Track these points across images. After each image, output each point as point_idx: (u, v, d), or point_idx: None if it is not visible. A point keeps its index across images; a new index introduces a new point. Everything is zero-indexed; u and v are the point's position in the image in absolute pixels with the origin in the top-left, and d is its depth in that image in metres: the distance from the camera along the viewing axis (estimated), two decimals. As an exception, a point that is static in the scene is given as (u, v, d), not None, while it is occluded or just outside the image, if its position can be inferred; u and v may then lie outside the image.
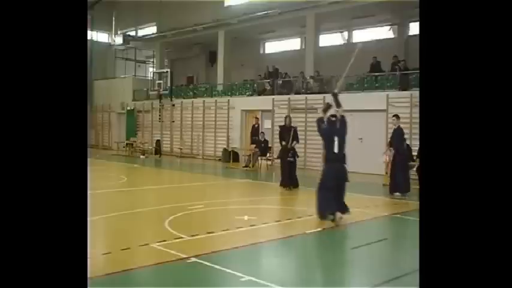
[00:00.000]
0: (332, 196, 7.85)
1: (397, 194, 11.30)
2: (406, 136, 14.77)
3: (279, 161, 13.26)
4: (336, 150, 7.86)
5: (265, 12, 21.78)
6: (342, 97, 18.92)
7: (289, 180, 12.28)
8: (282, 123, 13.25)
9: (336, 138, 7.85)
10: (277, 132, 13.82)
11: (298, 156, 12.86)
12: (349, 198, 8.17)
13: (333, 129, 7.90)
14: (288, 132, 12.45)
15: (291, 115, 18.91)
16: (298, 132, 12.95)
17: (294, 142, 12.49)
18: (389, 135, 13.42)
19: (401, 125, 11.94)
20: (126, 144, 25.26)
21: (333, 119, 7.95)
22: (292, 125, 12.88)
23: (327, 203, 7.86)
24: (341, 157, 7.98)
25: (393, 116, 12.12)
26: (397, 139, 11.62)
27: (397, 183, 11.37)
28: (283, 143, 12.55)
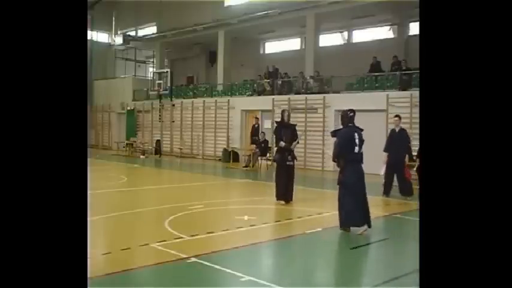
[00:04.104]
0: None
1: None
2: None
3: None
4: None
5: (265, 12, 21.79)
6: (343, 97, 18.90)
7: (284, 191, 9.95)
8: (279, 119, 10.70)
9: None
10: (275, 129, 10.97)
11: (296, 160, 10.39)
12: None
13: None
14: (286, 130, 10.14)
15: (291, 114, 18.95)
16: (298, 132, 10.64)
17: (294, 143, 10.12)
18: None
19: (402, 125, 11.61)
20: (126, 144, 25.27)
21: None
22: (291, 122, 10.67)
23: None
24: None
25: (395, 116, 11.70)
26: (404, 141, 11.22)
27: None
28: (282, 143, 9.89)
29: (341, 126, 7.50)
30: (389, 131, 12.18)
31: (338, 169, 7.45)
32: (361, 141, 7.27)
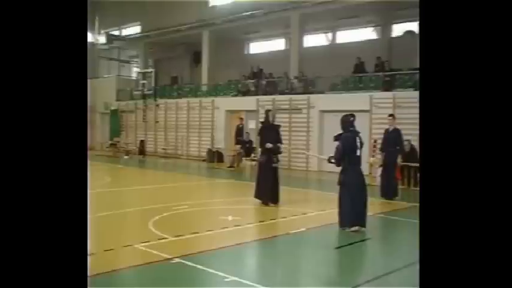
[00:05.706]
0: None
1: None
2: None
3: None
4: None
5: (250, 12, 21.80)
6: (327, 97, 18.86)
7: (271, 194, 9.84)
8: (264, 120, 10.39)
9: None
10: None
11: (279, 161, 10.17)
12: (333, 199, 8.18)
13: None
14: (270, 131, 10.00)
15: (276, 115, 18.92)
16: (282, 133, 10.55)
17: (278, 144, 9.98)
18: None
19: (389, 126, 11.41)
20: (110, 144, 25.08)
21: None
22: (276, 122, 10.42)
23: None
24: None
25: (389, 115, 11.59)
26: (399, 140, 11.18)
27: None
28: (269, 144, 9.71)
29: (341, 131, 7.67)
30: (383, 131, 11.77)
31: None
32: (361, 144, 7.67)
